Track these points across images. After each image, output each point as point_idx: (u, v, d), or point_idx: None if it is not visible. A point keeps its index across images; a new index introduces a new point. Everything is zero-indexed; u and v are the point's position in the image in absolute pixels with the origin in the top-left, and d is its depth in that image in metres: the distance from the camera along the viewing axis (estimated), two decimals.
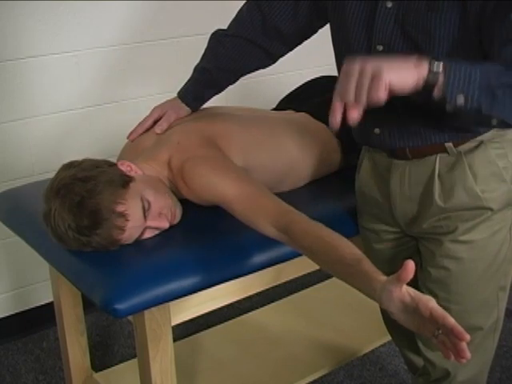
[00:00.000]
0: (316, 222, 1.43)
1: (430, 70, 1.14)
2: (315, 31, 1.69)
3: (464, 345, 1.08)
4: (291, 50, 1.75)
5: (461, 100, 1.15)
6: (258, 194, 1.53)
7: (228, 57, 1.75)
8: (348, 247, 1.34)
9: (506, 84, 1.15)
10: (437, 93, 1.16)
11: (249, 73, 1.81)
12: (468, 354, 1.09)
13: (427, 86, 1.15)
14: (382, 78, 1.11)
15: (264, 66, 1.79)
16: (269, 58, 1.76)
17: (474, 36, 1.28)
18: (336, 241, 1.37)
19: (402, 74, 1.14)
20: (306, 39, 1.72)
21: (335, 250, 1.35)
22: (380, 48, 1.37)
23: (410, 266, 1.12)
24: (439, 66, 1.14)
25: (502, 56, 1.20)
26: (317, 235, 1.40)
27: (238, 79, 1.82)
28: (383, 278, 1.21)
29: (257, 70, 1.80)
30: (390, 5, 1.33)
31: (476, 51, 1.30)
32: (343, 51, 1.47)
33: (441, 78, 1.14)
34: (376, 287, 1.21)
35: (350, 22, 1.41)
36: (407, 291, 1.15)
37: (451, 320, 1.10)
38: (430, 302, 1.13)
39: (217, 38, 1.77)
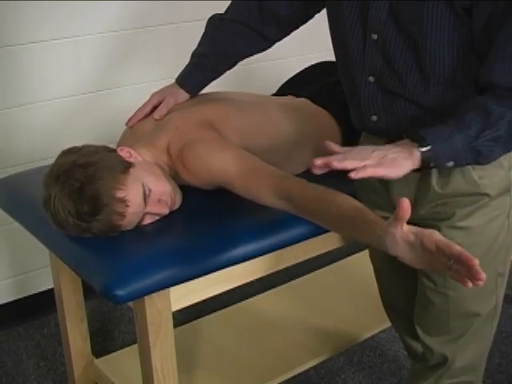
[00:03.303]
0: (313, 183, 1.44)
1: (421, 157, 1.23)
2: (311, 16, 1.70)
3: (477, 267, 1.10)
4: (288, 34, 1.76)
5: (450, 164, 1.26)
6: (256, 166, 1.54)
7: (226, 42, 1.75)
8: (347, 200, 1.37)
9: (488, 138, 1.23)
10: (431, 165, 1.25)
11: (246, 57, 1.81)
12: (483, 275, 1.10)
13: (423, 167, 1.25)
14: (387, 172, 1.19)
15: (261, 50, 1.80)
16: (266, 42, 1.77)
17: (465, 24, 1.28)
18: (334, 195, 1.39)
19: (402, 168, 1.22)
20: (302, 24, 1.73)
21: (335, 204, 1.37)
22: (375, 37, 1.37)
23: (406, 203, 1.15)
24: (426, 148, 1.23)
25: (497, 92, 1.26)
26: (315, 194, 1.42)
27: (235, 64, 1.82)
28: (385, 224, 1.23)
29: (254, 54, 1.81)
30: None
31: (467, 39, 1.30)
32: (340, 38, 1.47)
33: (431, 154, 1.23)
34: (379, 234, 1.23)
35: (346, 11, 1.41)
36: (409, 230, 1.18)
37: (457, 247, 1.13)
38: (434, 235, 1.16)
39: (214, 22, 1.77)
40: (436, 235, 1.16)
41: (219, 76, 1.83)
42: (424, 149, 1.23)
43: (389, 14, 1.33)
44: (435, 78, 1.35)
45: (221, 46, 1.76)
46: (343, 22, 1.42)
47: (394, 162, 1.21)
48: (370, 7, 1.35)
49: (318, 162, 1.17)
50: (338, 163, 1.16)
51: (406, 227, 1.18)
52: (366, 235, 1.29)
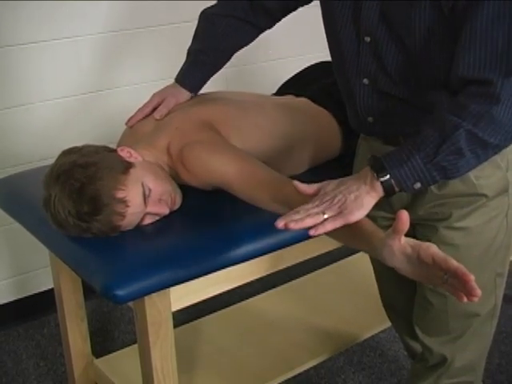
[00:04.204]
0: None
1: (382, 185, 1.24)
2: (302, 6, 1.72)
3: (473, 283, 1.10)
4: (278, 21, 1.80)
5: (418, 186, 1.24)
6: (255, 170, 1.54)
7: (221, 35, 1.77)
8: None
9: (448, 152, 1.21)
10: (397, 190, 1.25)
11: (241, 48, 1.84)
12: (478, 291, 1.10)
13: (388, 195, 1.25)
14: (348, 219, 1.21)
15: (253, 40, 1.84)
16: (257, 32, 1.81)
17: (452, 26, 1.27)
18: None
19: (365, 207, 1.24)
20: (292, 12, 1.76)
21: None
22: (368, 39, 1.37)
23: (404, 216, 1.16)
24: (386, 176, 1.23)
25: (459, 99, 1.23)
26: None
27: (231, 56, 1.85)
28: (383, 235, 1.24)
29: (248, 44, 1.84)
30: None
31: (455, 43, 1.28)
32: (334, 40, 1.47)
33: (393, 181, 1.23)
34: (377, 245, 1.24)
35: (337, 11, 1.41)
36: (407, 242, 1.19)
37: (454, 262, 1.12)
38: (431, 248, 1.16)
39: (207, 18, 1.79)
40: (433, 248, 1.16)
41: (218, 71, 1.85)
42: (384, 178, 1.23)
43: (380, 17, 1.33)
44: (428, 80, 1.35)
45: (216, 41, 1.79)
46: (335, 23, 1.43)
47: (355, 204, 1.23)
48: (363, 8, 1.35)
49: (280, 225, 1.20)
50: (295, 225, 1.19)
51: (403, 239, 1.19)
52: (363, 245, 1.29)
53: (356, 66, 1.42)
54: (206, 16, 1.80)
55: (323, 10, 1.48)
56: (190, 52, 1.83)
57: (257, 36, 1.83)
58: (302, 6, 1.72)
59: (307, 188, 1.29)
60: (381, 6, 1.32)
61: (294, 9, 1.74)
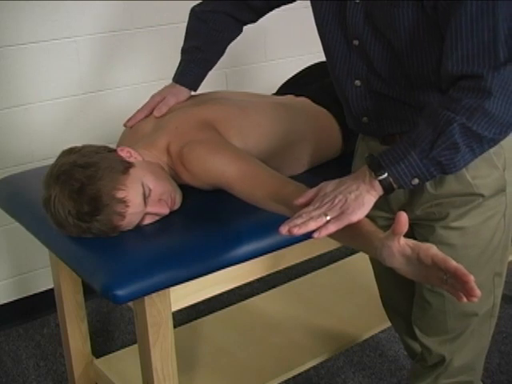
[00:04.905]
0: None
1: (381, 183, 1.24)
2: (285, 3, 1.76)
3: (472, 284, 1.10)
4: (261, 17, 1.85)
5: (415, 182, 1.24)
6: (255, 170, 1.54)
7: (212, 30, 1.81)
8: None
9: (443, 147, 1.20)
10: (396, 187, 1.25)
11: (230, 42, 1.88)
12: (478, 292, 1.10)
13: (387, 192, 1.26)
14: (350, 219, 1.22)
15: (240, 34, 1.88)
16: (243, 25, 1.86)
17: (437, 25, 1.27)
18: None
19: (366, 206, 1.24)
20: (275, 9, 1.81)
21: None
22: (356, 42, 1.38)
23: (403, 218, 1.16)
24: (384, 174, 1.24)
25: (451, 94, 1.23)
26: None
27: (224, 51, 1.88)
28: (382, 235, 1.24)
29: (235, 38, 1.88)
30: (358, 0, 1.33)
31: (441, 41, 1.28)
32: (325, 43, 1.48)
33: (391, 179, 1.24)
34: (376, 246, 1.24)
35: (326, 17, 1.42)
36: (406, 243, 1.19)
37: (453, 263, 1.12)
38: (431, 249, 1.16)
39: (197, 16, 1.82)
40: (433, 249, 1.16)
41: (214, 65, 1.88)
42: (382, 177, 1.24)
43: (365, 18, 1.34)
44: (419, 79, 1.35)
45: (209, 36, 1.81)
46: (323, 27, 1.43)
47: (356, 203, 1.23)
48: (347, 10, 1.36)
49: (283, 231, 1.21)
50: (298, 230, 1.20)
51: (402, 240, 1.19)
52: (363, 246, 1.30)
53: (347, 68, 1.42)
54: (195, 14, 1.83)
55: (313, 14, 1.49)
56: (184, 50, 1.85)
57: (242, 28, 1.87)
58: (286, 4, 1.75)
59: (303, 198, 1.30)
60: (365, 7, 1.33)
61: (277, 6, 1.79)
